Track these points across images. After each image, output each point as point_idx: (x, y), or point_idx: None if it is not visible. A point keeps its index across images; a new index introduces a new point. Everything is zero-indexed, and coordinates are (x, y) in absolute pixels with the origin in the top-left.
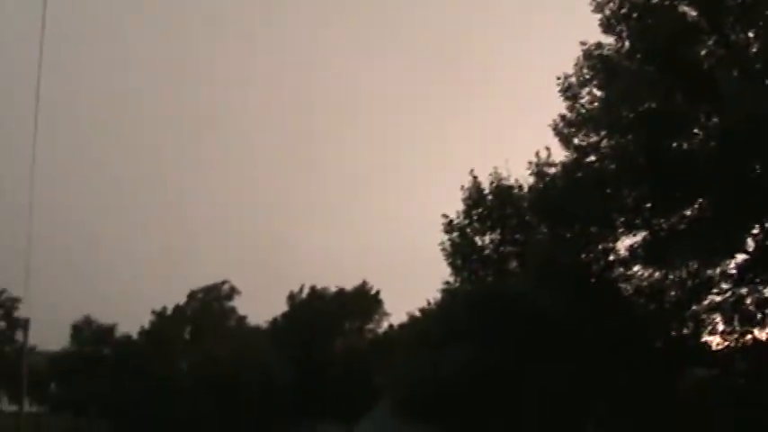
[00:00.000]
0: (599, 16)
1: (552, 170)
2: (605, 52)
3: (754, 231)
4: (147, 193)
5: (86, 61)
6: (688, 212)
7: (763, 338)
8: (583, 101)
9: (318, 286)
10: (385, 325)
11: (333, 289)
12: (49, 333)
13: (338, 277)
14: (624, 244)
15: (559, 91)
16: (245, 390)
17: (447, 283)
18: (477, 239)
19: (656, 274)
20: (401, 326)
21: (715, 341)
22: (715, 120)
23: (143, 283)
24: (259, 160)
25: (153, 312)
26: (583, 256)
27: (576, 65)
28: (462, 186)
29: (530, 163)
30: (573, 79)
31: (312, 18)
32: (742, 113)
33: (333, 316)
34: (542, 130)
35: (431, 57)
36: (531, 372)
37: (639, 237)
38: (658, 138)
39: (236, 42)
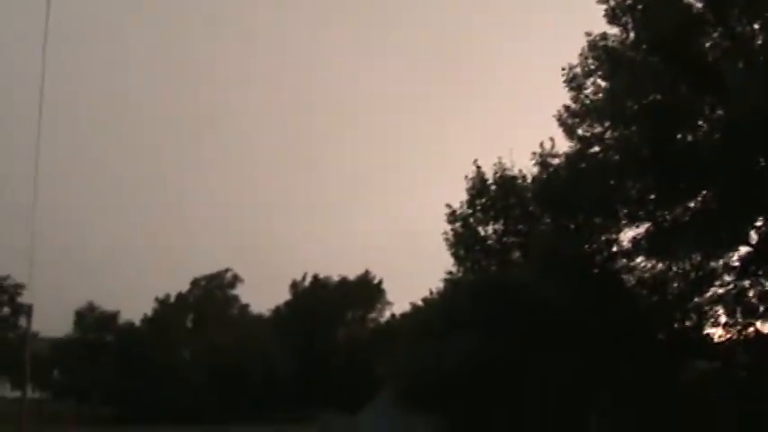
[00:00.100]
0: (604, 7)
1: (556, 161)
2: (610, 43)
3: (758, 224)
4: (151, 183)
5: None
6: (692, 204)
7: (766, 331)
8: (587, 92)
9: (321, 275)
10: (387, 314)
11: (335, 278)
12: (52, 319)
13: (341, 266)
14: (627, 235)
15: (564, 81)
16: (247, 378)
17: (450, 272)
18: (481, 229)
19: (660, 266)
20: (403, 315)
21: (717, 333)
22: (720, 112)
23: (146, 271)
24: (263, 152)
25: (156, 300)
26: (586, 247)
27: (580, 55)
28: (466, 176)
29: (533, 153)
30: (578, 70)
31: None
32: (747, 105)
33: (335, 305)
34: (544, 121)
35: (434, 51)
36: (533, 362)
37: (643, 228)
38: (663, 129)
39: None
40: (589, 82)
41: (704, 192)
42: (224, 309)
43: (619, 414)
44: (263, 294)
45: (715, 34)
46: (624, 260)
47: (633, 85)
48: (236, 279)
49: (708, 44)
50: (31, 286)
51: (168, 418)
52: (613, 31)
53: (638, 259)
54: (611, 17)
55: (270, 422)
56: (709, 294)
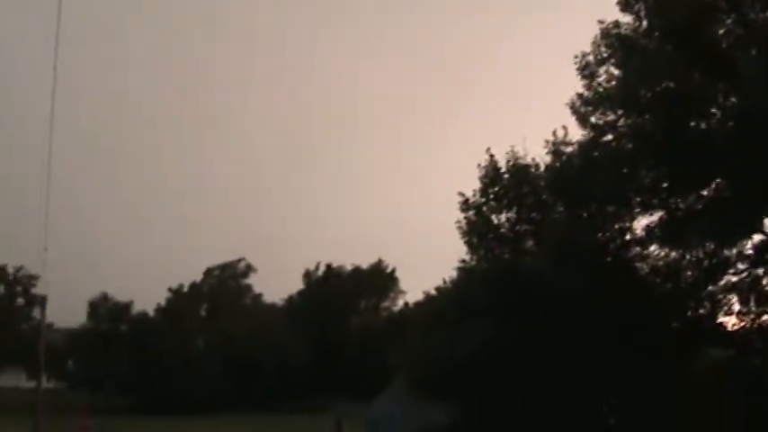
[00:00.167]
0: None
1: (569, 149)
2: (623, 31)
3: None
4: (165, 174)
5: (94, 60)
6: (705, 192)
7: None
8: (600, 79)
9: (334, 264)
10: (400, 303)
11: (348, 267)
12: (66, 310)
13: (354, 255)
14: (641, 223)
15: (577, 69)
16: (260, 368)
17: (463, 261)
18: (494, 218)
19: (673, 254)
20: (417, 304)
21: (731, 321)
22: (733, 99)
23: (159, 260)
24: (275, 143)
25: (169, 289)
26: (599, 235)
27: (593, 43)
28: (479, 165)
29: (546, 142)
30: (590, 58)
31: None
32: (760, 93)
33: (348, 294)
34: (556, 110)
35: (440, 45)
36: (547, 351)
37: (656, 216)
38: (676, 117)
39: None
40: (602, 70)
41: (717, 179)
42: (237, 298)
43: (632, 402)
44: (277, 284)
45: (728, 21)
46: (638, 248)
47: (646, 73)
48: (249, 268)
49: (721, 31)
50: (44, 277)
51: (182, 408)
52: (626, 18)
53: (652, 247)
54: (624, 5)
55: (283, 411)
56: (722, 282)
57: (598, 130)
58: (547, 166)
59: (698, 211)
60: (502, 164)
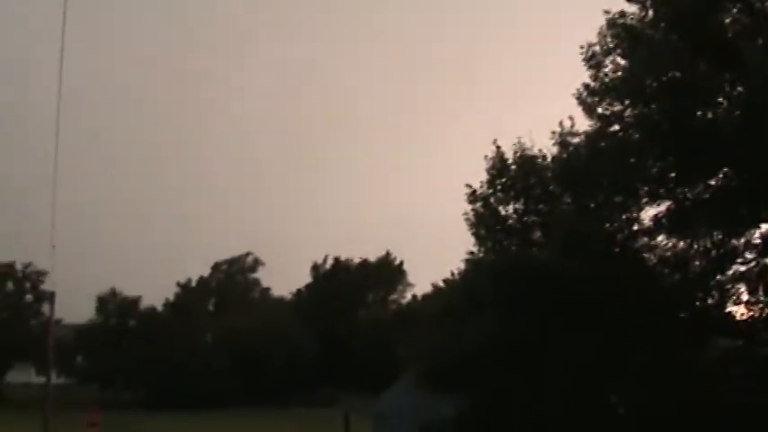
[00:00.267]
0: None
1: (576, 140)
2: (629, 21)
3: None
4: (173, 170)
5: (102, 59)
6: (713, 182)
7: None
8: (606, 70)
9: (342, 257)
10: (408, 296)
11: (356, 260)
12: (74, 306)
13: (361, 248)
14: (648, 213)
15: (583, 60)
16: (269, 362)
17: (471, 253)
18: (501, 209)
19: (681, 244)
20: (425, 297)
21: (739, 311)
22: (739, 88)
23: (167, 256)
24: (284, 138)
25: (177, 284)
26: (607, 225)
27: (599, 34)
28: (486, 156)
29: (553, 133)
30: (596, 48)
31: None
32: (766, 82)
33: (356, 287)
34: (562, 102)
35: (445, 42)
36: (555, 342)
37: (664, 206)
38: (682, 107)
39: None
40: (608, 60)
41: (725, 169)
42: (245, 292)
43: (641, 393)
44: (285, 277)
45: (734, 11)
46: (645, 239)
47: (652, 63)
48: (257, 263)
49: (727, 21)
50: (53, 274)
51: (190, 402)
52: (632, 8)
53: (660, 238)
54: None
55: (292, 405)
56: (731, 272)
57: (605, 121)
58: (554, 157)
59: (705, 200)
60: (509, 155)
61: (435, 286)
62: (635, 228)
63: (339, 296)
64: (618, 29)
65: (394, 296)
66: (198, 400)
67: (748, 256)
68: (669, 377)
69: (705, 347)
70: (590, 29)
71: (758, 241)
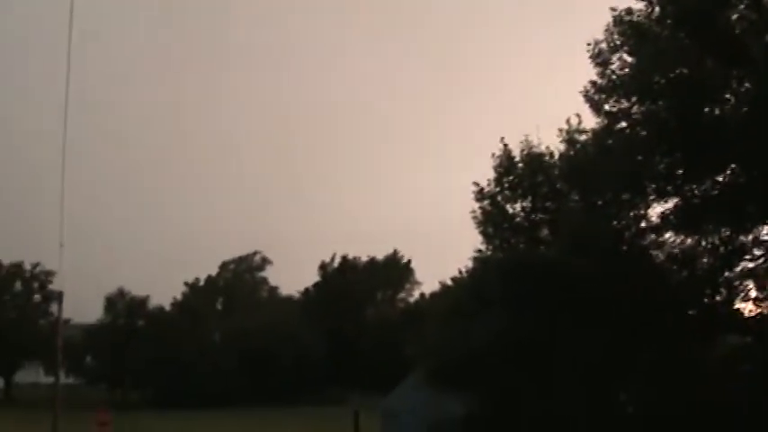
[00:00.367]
0: None
1: (583, 137)
2: (635, 18)
3: None
4: (180, 169)
5: (102, 62)
6: (720, 178)
7: None
8: (613, 67)
9: (350, 256)
10: (416, 294)
11: (364, 258)
12: (83, 306)
13: (369, 247)
14: (656, 211)
15: (590, 57)
16: (277, 361)
17: (479, 251)
18: (509, 207)
19: (689, 241)
20: (433, 295)
21: (748, 308)
22: (747, 85)
23: (175, 255)
24: (291, 136)
25: (185, 284)
26: (614, 223)
27: (606, 31)
28: (493, 154)
29: (560, 130)
30: (603, 45)
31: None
32: None
33: (364, 285)
34: (570, 99)
35: (453, 41)
36: (563, 340)
37: (671, 203)
38: (689, 103)
39: (266, 34)
40: (615, 57)
41: (732, 165)
42: (253, 292)
43: (648, 391)
44: (292, 276)
45: (741, 7)
46: (653, 236)
47: (659, 60)
48: (264, 261)
49: (734, 17)
50: (61, 273)
51: (199, 401)
52: (639, 5)
53: (667, 235)
54: None
55: (300, 404)
56: (739, 269)
57: (612, 118)
58: (561, 155)
59: (713, 197)
60: (516, 153)
61: (443, 284)
62: (642, 225)
63: (347, 295)
64: (625, 26)
65: (402, 295)
66: (206, 399)
67: (756, 252)
68: (677, 375)
69: (713, 345)
70: (597, 26)
71: (766, 238)
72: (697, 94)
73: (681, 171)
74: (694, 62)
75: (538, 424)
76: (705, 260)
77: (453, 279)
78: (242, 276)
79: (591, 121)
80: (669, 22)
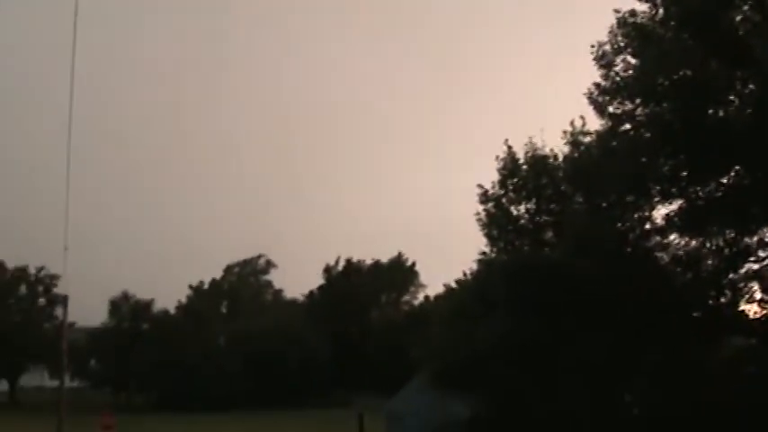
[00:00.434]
0: None
1: (587, 139)
2: (639, 20)
3: None
4: (184, 172)
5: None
6: (725, 180)
7: None
8: (617, 69)
9: (354, 259)
10: (421, 296)
11: (368, 261)
12: (87, 309)
13: (374, 249)
14: (660, 213)
15: (594, 59)
16: (282, 364)
17: (483, 253)
18: (513, 209)
19: (693, 243)
20: (437, 297)
21: (752, 310)
22: (751, 86)
23: (180, 258)
24: (295, 138)
25: (190, 287)
26: (619, 225)
27: (610, 33)
28: (497, 157)
29: (564, 132)
30: (607, 47)
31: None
32: None
33: (369, 288)
34: (574, 101)
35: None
36: (567, 342)
37: (676, 205)
38: (694, 105)
39: (269, 37)
40: (619, 59)
41: (737, 167)
42: (258, 295)
43: (653, 393)
44: (297, 279)
45: (745, 8)
46: (657, 238)
47: (663, 62)
48: (269, 265)
49: (738, 18)
50: (65, 277)
51: (204, 405)
52: (642, 7)
53: (672, 236)
54: None
55: (305, 407)
56: (743, 270)
57: (616, 120)
58: (565, 157)
59: (717, 198)
60: (520, 155)
61: (447, 287)
62: (647, 227)
63: (351, 297)
64: (628, 28)
65: (406, 297)
66: (211, 402)
67: (761, 254)
68: (682, 377)
69: (718, 347)
70: (597, 26)
71: None
72: (701, 95)
73: (685, 173)
74: (698, 64)
75: (542, 426)
76: (710, 262)
77: (458, 281)
78: (246, 279)
79: (595, 123)
80: (673, 23)
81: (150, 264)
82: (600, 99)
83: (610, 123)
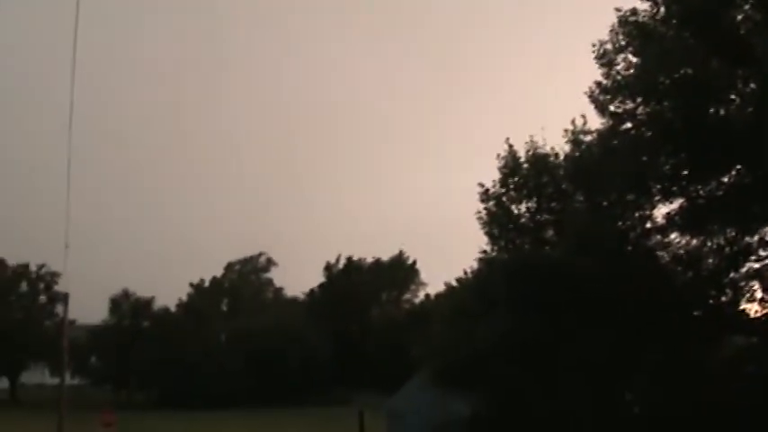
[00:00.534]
0: None
1: (588, 138)
2: (640, 18)
3: None
4: (185, 168)
5: (107, 61)
6: (726, 179)
7: None
8: (618, 67)
9: (355, 257)
10: (422, 295)
11: (369, 259)
12: (88, 307)
13: (375, 247)
14: (661, 211)
15: (595, 58)
16: (283, 362)
17: (484, 252)
18: (514, 208)
19: (694, 242)
20: (438, 296)
21: (753, 309)
22: (752, 85)
23: (180, 256)
24: (296, 137)
25: (190, 285)
26: (620, 224)
27: (611, 31)
28: (498, 155)
29: (565, 131)
30: (608, 46)
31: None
32: None
33: (370, 286)
34: (575, 100)
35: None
36: (568, 341)
37: (676, 204)
38: (695, 104)
39: (269, 38)
40: (620, 58)
41: (738, 166)
42: (258, 293)
43: (653, 392)
44: (298, 277)
45: (746, 7)
46: (658, 236)
47: (664, 60)
48: (269, 263)
49: (739, 17)
50: (66, 275)
51: (204, 403)
52: (643, 6)
53: (673, 235)
54: None
55: (306, 405)
56: (744, 269)
57: (617, 119)
58: (566, 156)
59: (718, 197)
60: (521, 154)
61: (448, 285)
62: (648, 226)
63: (352, 296)
64: (630, 26)
65: (407, 295)
66: (211, 400)
67: (762, 253)
68: (682, 376)
69: (718, 346)
70: (597, 26)
71: None
72: (702, 94)
73: (686, 171)
74: (699, 62)
75: (543, 424)
76: (710, 261)
77: (458, 280)
78: (247, 277)
79: (596, 122)
80: (674, 22)
81: (151, 262)
82: (601, 98)
83: (611, 122)
